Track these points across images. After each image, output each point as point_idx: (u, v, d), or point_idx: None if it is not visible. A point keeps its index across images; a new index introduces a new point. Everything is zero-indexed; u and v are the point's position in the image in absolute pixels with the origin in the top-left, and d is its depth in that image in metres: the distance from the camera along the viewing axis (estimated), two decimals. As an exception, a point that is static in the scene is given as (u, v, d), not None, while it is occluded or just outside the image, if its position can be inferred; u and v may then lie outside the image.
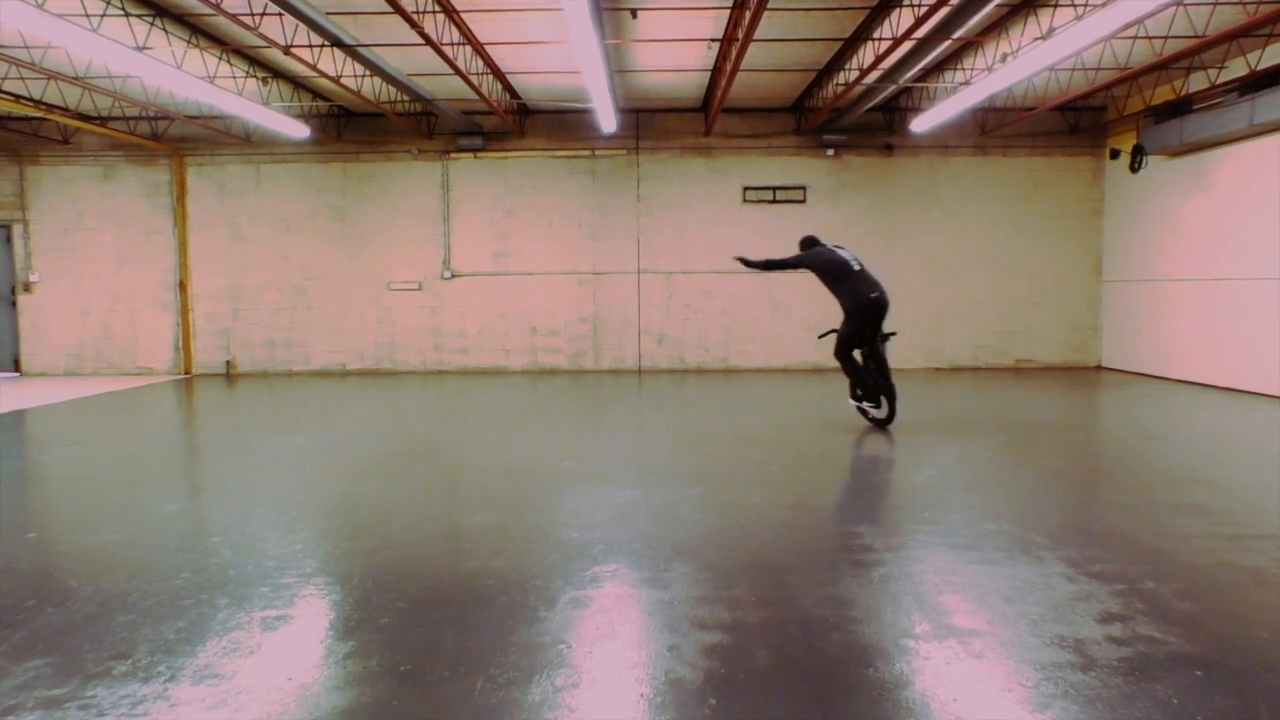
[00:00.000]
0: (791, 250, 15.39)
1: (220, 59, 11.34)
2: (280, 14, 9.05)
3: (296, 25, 9.60)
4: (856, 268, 8.75)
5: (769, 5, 8.64)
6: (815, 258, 8.93)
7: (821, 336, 9.75)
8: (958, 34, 9.61)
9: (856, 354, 8.94)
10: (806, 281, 15.53)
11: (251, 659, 3.54)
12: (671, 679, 3.33)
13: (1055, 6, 9.42)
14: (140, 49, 9.18)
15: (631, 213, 15.49)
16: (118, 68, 11.04)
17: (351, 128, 15.42)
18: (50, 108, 13.11)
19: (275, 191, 15.60)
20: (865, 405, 9.10)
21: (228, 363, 15.84)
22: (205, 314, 15.80)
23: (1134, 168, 13.76)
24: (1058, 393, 12.37)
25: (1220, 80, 11.54)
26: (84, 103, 13.44)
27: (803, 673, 3.40)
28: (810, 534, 5.33)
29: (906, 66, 10.80)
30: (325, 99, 14.20)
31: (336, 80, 11.25)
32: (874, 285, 8.67)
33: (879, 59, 10.09)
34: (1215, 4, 9.16)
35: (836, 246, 9.04)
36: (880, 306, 8.65)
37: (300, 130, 13.63)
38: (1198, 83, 12.08)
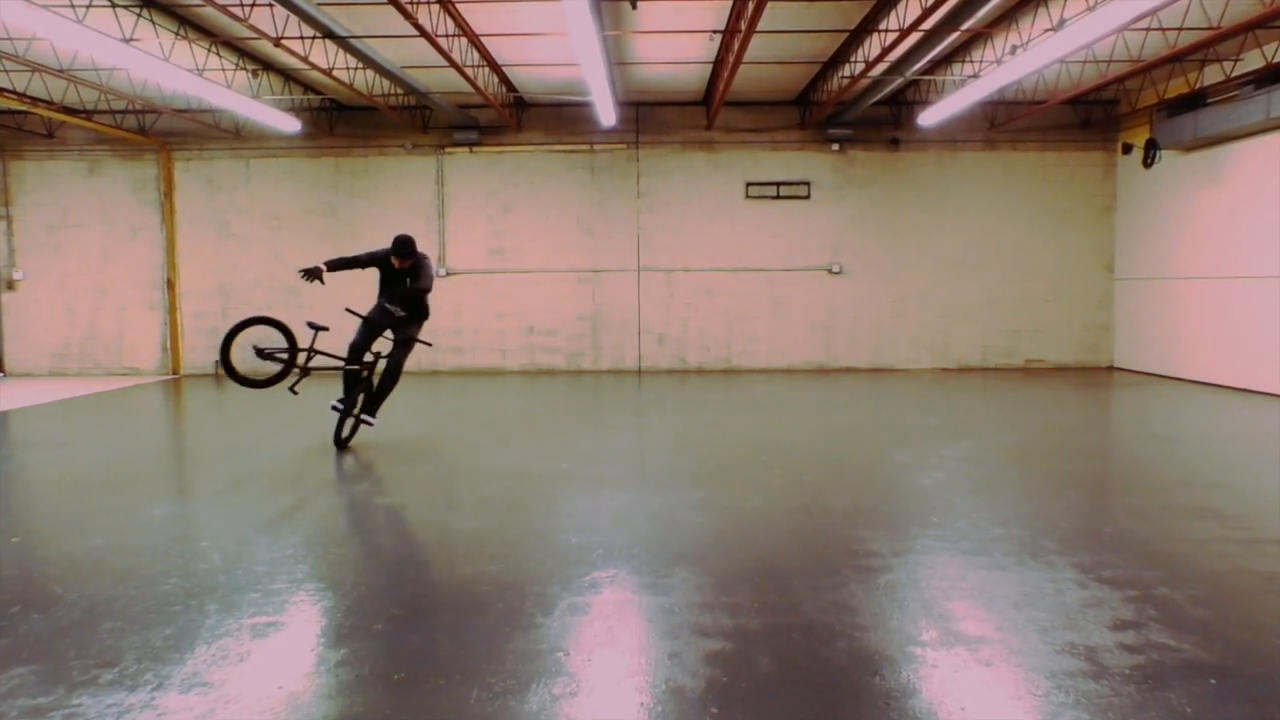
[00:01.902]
0: (784, 248, 15.52)
1: (209, 51, 11.33)
2: (271, 5, 9.05)
3: (287, 16, 9.59)
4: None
5: (772, -4, 8.63)
6: (433, 270, 8.34)
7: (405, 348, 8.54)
8: (966, 25, 9.61)
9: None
10: (808, 282, 15.56)
11: (241, 667, 3.54)
12: (672, 687, 3.33)
13: (1066, -3, 9.43)
14: (127, 41, 9.18)
15: (631, 209, 15.49)
16: (104, 60, 11.03)
17: (343, 122, 15.41)
18: (34, 101, 13.10)
19: (265, 187, 15.59)
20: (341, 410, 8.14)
21: (217, 363, 15.80)
22: (193, 313, 15.80)
23: (1147, 163, 13.75)
24: (1069, 393, 12.37)
25: (1236, 73, 11.54)
26: (69, 96, 13.43)
27: (807, 681, 3.40)
28: (814, 538, 5.33)
29: (914, 59, 10.80)
30: (317, 92, 14.20)
31: (328, 73, 11.25)
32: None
33: (885, 51, 10.09)
34: (1230, -5, 9.17)
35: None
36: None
37: (291, 124, 13.63)
38: (1212, 75, 12.08)
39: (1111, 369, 15.30)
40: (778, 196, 15.45)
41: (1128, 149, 14.52)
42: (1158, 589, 4.33)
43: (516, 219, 15.53)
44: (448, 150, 15.44)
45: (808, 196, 15.44)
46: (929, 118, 13.52)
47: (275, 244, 15.65)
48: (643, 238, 15.48)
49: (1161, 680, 3.36)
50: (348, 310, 8.32)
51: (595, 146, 15.37)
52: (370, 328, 8.17)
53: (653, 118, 15.37)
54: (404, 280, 7.99)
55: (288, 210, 15.61)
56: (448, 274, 15.60)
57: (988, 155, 15.36)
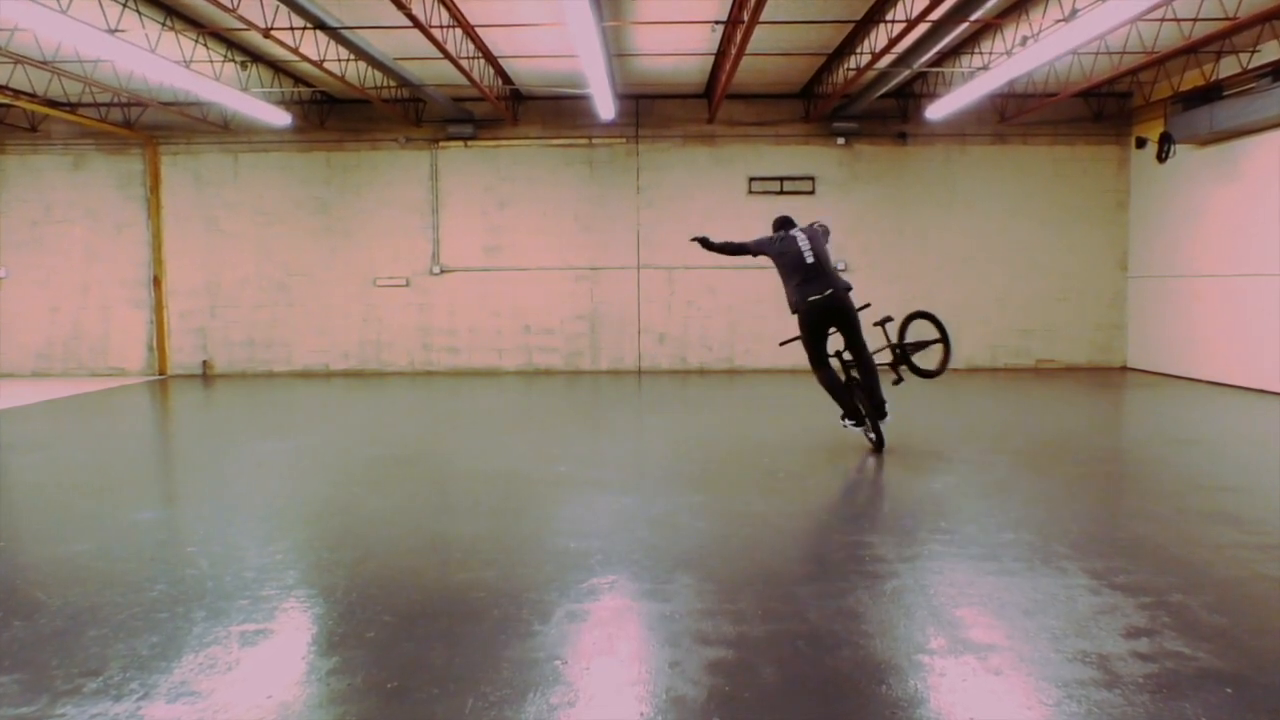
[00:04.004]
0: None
1: (197, 42, 11.33)
2: (260, -6, 9.06)
3: (277, 7, 9.59)
4: (810, 260, 7.60)
5: (776, -15, 8.64)
6: (769, 245, 7.89)
7: (783, 344, 8.64)
8: (975, 15, 9.61)
9: (836, 363, 7.99)
10: (815, 277, 15.53)
11: (230, 676, 3.54)
12: (673, 697, 3.33)
13: (1078, -13, 9.42)
14: (112, 31, 9.17)
15: (631, 204, 15.49)
16: (88, 51, 11.03)
17: (335, 115, 15.41)
18: (17, 93, 13.10)
19: (255, 182, 15.59)
20: (851, 426, 7.97)
21: (204, 363, 15.84)
22: (180, 311, 15.80)
23: (1161, 157, 13.75)
24: (1081, 394, 12.38)
25: (1252, 65, 11.54)
26: (53, 88, 13.43)
27: (811, 690, 3.40)
28: (819, 543, 5.33)
29: (921, 50, 10.80)
30: (307, 85, 14.20)
31: (319, 65, 11.25)
32: (822, 283, 7.54)
33: (892, 42, 10.09)
34: (1247, -16, 9.17)
35: (802, 230, 7.89)
36: (827, 310, 7.55)
37: (281, 118, 13.63)
38: (1228, 67, 12.08)
39: (1125, 369, 15.30)
40: (781, 192, 15.44)
41: (1141, 143, 14.52)
42: (1172, 595, 4.33)
43: (513, 215, 15.53)
44: (442, 144, 15.44)
45: (812, 192, 15.44)
46: (937, 111, 13.52)
47: (265, 240, 15.65)
48: (643, 234, 15.48)
49: (1176, 689, 3.36)
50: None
51: (594, 140, 15.37)
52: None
53: (653, 111, 15.37)
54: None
55: (278, 206, 15.61)
56: (442, 271, 15.61)
57: (997, 149, 15.36)
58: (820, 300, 7.52)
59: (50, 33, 8.61)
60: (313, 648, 3.87)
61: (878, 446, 7.89)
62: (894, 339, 8.19)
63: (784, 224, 8.06)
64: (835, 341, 7.88)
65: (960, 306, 15.51)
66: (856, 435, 8.28)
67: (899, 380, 8.16)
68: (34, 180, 15.61)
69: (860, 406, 7.87)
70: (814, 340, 7.74)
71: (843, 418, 7.97)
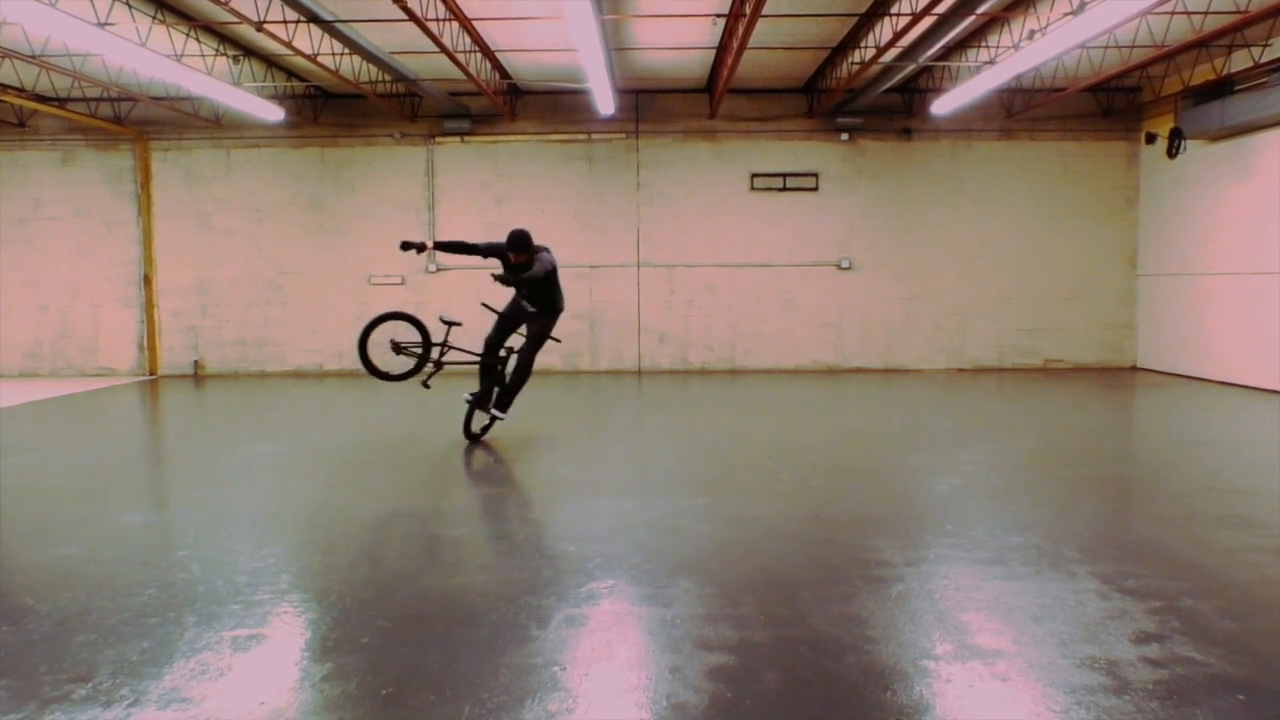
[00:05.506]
0: (791, 242, 15.51)
1: (188, 35, 11.33)
2: (252, -13, 9.06)
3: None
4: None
5: (779, -22, 8.64)
6: (552, 261, 8.35)
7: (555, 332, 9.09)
8: (982, 9, 9.62)
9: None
10: (816, 278, 15.56)
11: (221, 682, 3.54)
12: (674, 703, 3.33)
13: (1087, -21, 9.42)
14: (101, 25, 9.17)
15: (631, 201, 15.49)
16: (77, 45, 11.02)
17: (329, 110, 15.41)
18: (4, 88, 13.10)
19: (247, 178, 15.59)
20: (473, 401, 8.69)
21: (196, 363, 15.84)
22: (171, 310, 15.80)
23: (1171, 153, 13.76)
24: (1090, 395, 12.38)
25: (1264, 59, 11.54)
26: (41, 83, 13.43)
27: (815, 696, 3.40)
28: (823, 547, 5.33)
29: (927, 44, 10.80)
30: (301, 79, 14.20)
31: (313, 59, 11.25)
32: None
33: (897, 35, 10.09)
34: (1259, -23, 9.17)
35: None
36: None
37: (274, 113, 13.63)
38: (1240, 61, 12.08)
39: (1134, 369, 15.30)
40: (784, 188, 15.44)
41: (1151, 139, 14.53)
42: (1183, 600, 4.33)
43: (510, 212, 15.51)
44: (438, 140, 15.45)
45: (816, 188, 15.44)
46: (942, 106, 13.52)
47: (257, 238, 15.64)
48: (643, 232, 15.48)
49: (1187, 695, 3.36)
50: (484, 305, 8.99)
51: (593, 136, 15.37)
52: (504, 323, 8.71)
53: (653, 106, 15.37)
54: (521, 274, 8.24)
55: (271, 203, 15.61)
56: (438, 270, 15.62)
57: (1004, 145, 15.36)
58: None
59: (39, 26, 8.61)
60: (306, 653, 3.87)
61: (485, 429, 8.70)
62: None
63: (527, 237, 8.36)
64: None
65: (966, 305, 15.52)
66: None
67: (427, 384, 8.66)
68: (22, 176, 15.61)
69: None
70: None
71: (477, 397, 8.63)
